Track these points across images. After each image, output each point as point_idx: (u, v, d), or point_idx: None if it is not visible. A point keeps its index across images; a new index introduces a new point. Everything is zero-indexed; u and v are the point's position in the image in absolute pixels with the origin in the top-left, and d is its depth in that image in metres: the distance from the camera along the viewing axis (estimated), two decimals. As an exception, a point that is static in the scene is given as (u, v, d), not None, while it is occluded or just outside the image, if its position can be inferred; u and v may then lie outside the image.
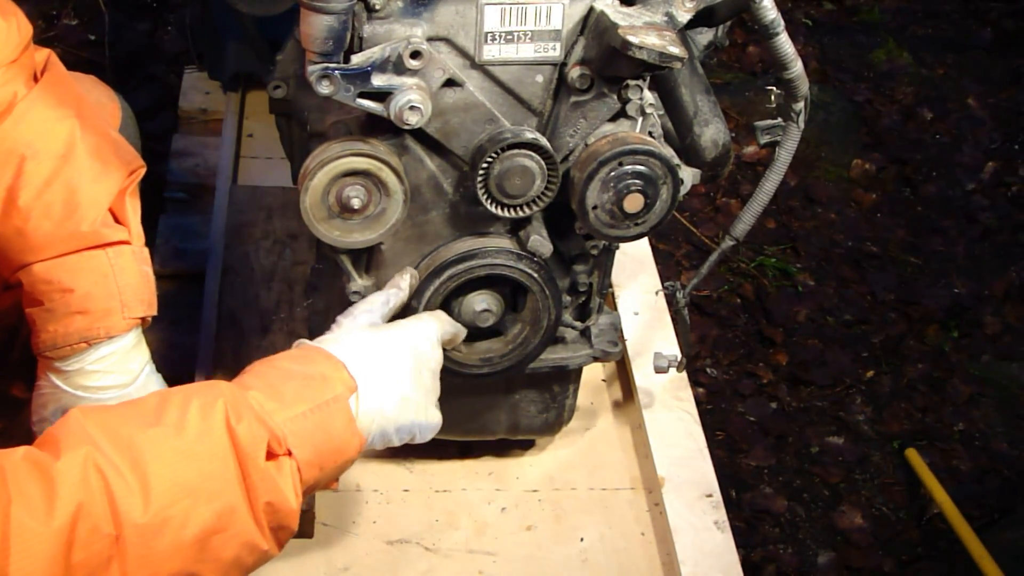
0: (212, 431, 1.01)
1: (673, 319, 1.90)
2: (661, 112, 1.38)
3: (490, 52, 1.22)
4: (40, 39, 1.34)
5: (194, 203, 2.14)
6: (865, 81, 3.41)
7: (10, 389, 1.49)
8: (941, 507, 2.28)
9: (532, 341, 1.43)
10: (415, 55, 1.18)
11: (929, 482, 2.34)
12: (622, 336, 1.79)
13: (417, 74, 1.20)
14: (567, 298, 1.48)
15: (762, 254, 2.87)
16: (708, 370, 2.58)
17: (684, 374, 1.79)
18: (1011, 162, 3.24)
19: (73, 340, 1.27)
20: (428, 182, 1.31)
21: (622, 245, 1.53)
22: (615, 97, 1.27)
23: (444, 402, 1.60)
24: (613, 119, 1.30)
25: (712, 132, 1.38)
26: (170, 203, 2.13)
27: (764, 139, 1.38)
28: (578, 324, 1.54)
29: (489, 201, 1.28)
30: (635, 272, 2.01)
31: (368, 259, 1.37)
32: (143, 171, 1.35)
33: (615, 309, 1.90)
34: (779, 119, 1.36)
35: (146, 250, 1.33)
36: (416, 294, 1.35)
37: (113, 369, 1.29)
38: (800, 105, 1.33)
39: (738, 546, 1.63)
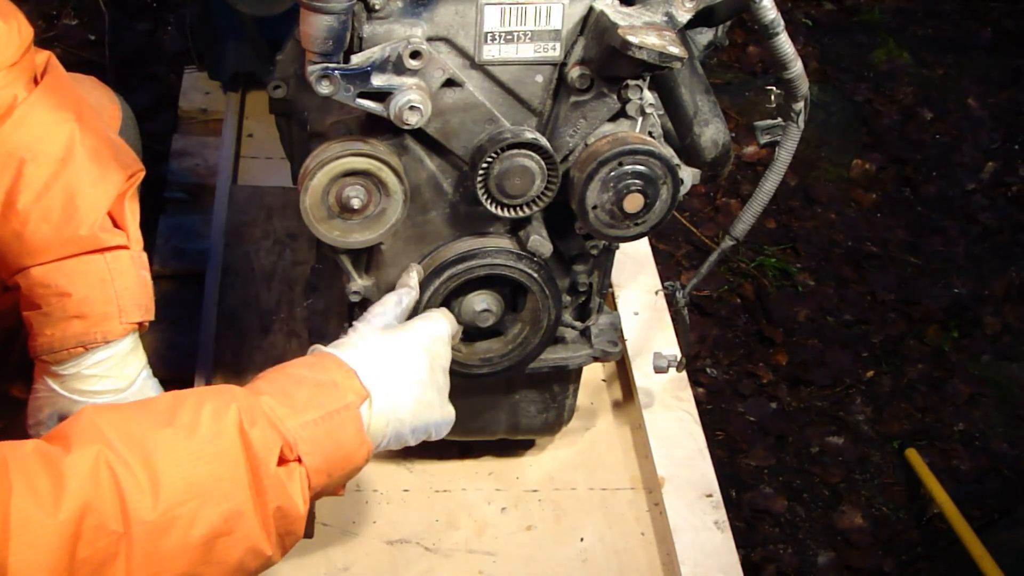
0: (224, 434, 1.01)
1: (673, 319, 1.90)
2: (661, 112, 1.38)
3: (490, 52, 1.22)
4: (40, 39, 1.34)
5: (194, 203, 2.14)
6: (865, 81, 3.41)
7: (10, 389, 1.49)
8: (941, 507, 2.28)
9: (532, 341, 1.43)
10: (415, 55, 1.18)
11: (929, 482, 2.34)
12: (622, 336, 1.79)
13: (417, 74, 1.20)
14: (567, 298, 1.48)
15: (762, 254, 2.87)
16: (708, 370, 2.58)
17: (684, 374, 1.79)
18: (1011, 162, 3.24)
19: (70, 344, 1.27)
20: (428, 182, 1.31)
21: (622, 245, 1.53)
22: (615, 97, 1.27)
23: (444, 402, 1.60)
24: (613, 119, 1.30)
25: (712, 132, 1.38)
26: (170, 203, 2.13)
27: (764, 139, 1.38)
28: (578, 324, 1.54)
29: (489, 201, 1.28)
30: (635, 272, 2.01)
31: (368, 259, 1.37)
32: (142, 175, 1.35)
33: (615, 309, 1.90)
34: (779, 119, 1.36)
35: (144, 255, 1.33)
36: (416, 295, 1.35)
37: (109, 374, 1.30)
38: (800, 105, 1.33)
39: (738, 546, 1.63)
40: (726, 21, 1.36)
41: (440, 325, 1.29)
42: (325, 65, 1.16)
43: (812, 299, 2.78)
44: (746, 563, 2.05)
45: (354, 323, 1.26)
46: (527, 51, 1.23)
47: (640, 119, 1.30)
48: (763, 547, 2.27)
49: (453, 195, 1.33)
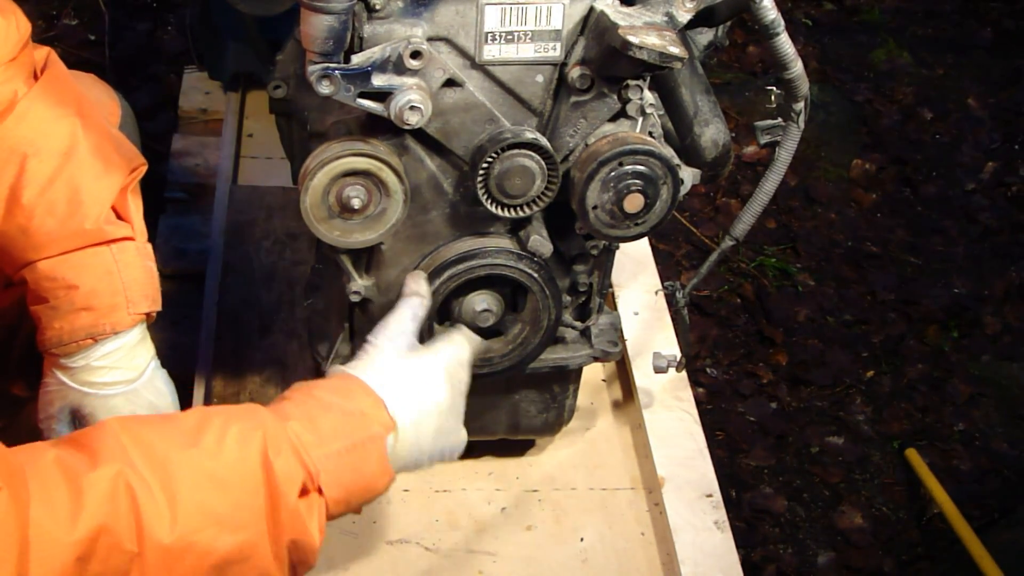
0: (247, 461, 1.01)
1: (673, 319, 1.90)
2: (661, 112, 1.38)
3: (490, 52, 1.22)
4: (40, 39, 1.35)
5: (194, 203, 2.14)
6: (865, 81, 3.41)
7: (10, 388, 1.49)
8: (941, 507, 2.28)
9: (532, 341, 1.43)
10: (415, 55, 1.18)
11: (929, 482, 2.34)
12: (622, 336, 1.79)
13: (417, 74, 1.20)
14: (567, 298, 1.48)
15: (762, 254, 2.87)
16: (708, 370, 2.58)
17: (684, 374, 1.79)
18: (1011, 162, 3.24)
19: (79, 336, 1.27)
20: (428, 182, 1.31)
21: (622, 245, 1.53)
22: (615, 97, 1.27)
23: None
24: (613, 119, 1.30)
25: (712, 132, 1.38)
26: (170, 203, 2.13)
27: (764, 139, 1.38)
28: (578, 324, 1.54)
29: (489, 201, 1.28)
30: (635, 272, 2.01)
31: (368, 259, 1.37)
32: (144, 168, 1.35)
33: (615, 309, 1.90)
34: (779, 119, 1.36)
35: (149, 246, 1.34)
36: (416, 294, 1.35)
37: (119, 365, 1.30)
38: (800, 105, 1.33)
39: (738, 546, 1.63)
40: (726, 21, 1.36)
41: (463, 349, 1.28)
42: (325, 65, 1.16)
43: (812, 299, 2.78)
44: (746, 563, 2.05)
45: (373, 339, 1.23)
46: (527, 51, 1.23)
47: (640, 119, 1.30)
48: (763, 547, 2.27)
49: (453, 195, 1.33)
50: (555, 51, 1.23)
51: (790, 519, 2.33)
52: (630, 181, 1.28)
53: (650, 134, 1.32)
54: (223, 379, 1.75)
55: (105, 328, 1.27)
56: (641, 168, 1.27)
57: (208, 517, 0.97)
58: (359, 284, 1.37)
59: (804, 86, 1.31)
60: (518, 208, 1.30)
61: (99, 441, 0.97)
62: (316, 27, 1.12)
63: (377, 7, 1.17)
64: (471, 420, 1.62)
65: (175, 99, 2.41)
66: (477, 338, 1.34)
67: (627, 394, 1.86)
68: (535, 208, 1.30)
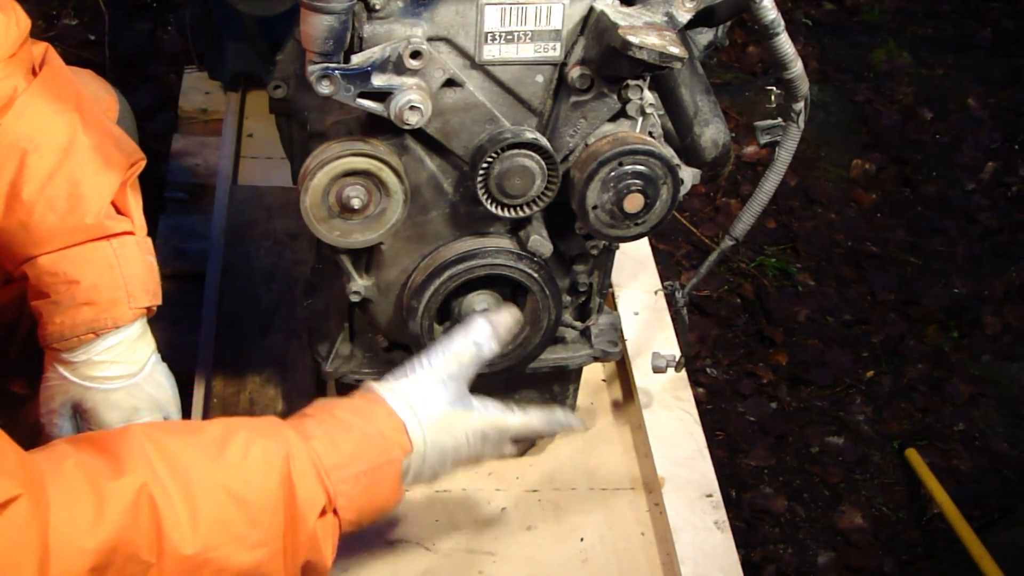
0: (269, 479, 1.01)
1: (673, 319, 1.90)
2: (661, 112, 1.38)
3: (490, 52, 1.23)
4: (40, 39, 1.35)
5: (194, 203, 2.14)
6: (865, 81, 3.41)
7: (10, 385, 1.49)
8: (941, 507, 2.28)
9: (532, 341, 1.43)
10: (415, 55, 1.18)
11: (929, 482, 2.34)
12: (622, 336, 1.79)
13: (417, 74, 1.20)
14: (567, 298, 1.48)
15: (762, 254, 2.87)
16: (708, 370, 2.58)
17: (684, 374, 1.79)
18: (1011, 162, 3.24)
19: (81, 331, 1.27)
20: (428, 182, 1.31)
21: (622, 245, 1.53)
22: (615, 97, 1.27)
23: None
24: (613, 119, 1.30)
25: (712, 132, 1.38)
26: (170, 203, 2.13)
27: (764, 139, 1.38)
28: (578, 324, 1.54)
29: (489, 201, 1.28)
30: (635, 272, 2.01)
31: (368, 259, 1.37)
32: (143, 163, 1.35)
33: (615, 309, 1.90)
34: (779, 119, 1.36)
35: (149, 240, 1.34)
36: (416, 294, 1.35)
37: (120, 359, 1.30)
38: (800, 105, 1.33)
39: (738, 546, 1.63)
40: (726, 21, 1.36)
41: (507, 425, 1.24)
42: (325, 65, 1.16)
43: (812, 299, 2.78)
44: (746, 563, 2.05)
45: (427, 361, 1.21)
46: (527, 51, 1.23)
47: (640, 119, 1.30)
48: (763, 547, 2.27)
49: (453, 195, 1.33)
50: (555, 51, 1.23)
51: (790, 519, 2.33)
52: (630, 181, 1.28)
53: (650, 134, 1.32)
54: (223, 379, 1.75)
55: (106, 322, 1.28)
56: (641, 168, 1.27)
57: (227, 534, 0.98)
58: (359, 284, 1.37)
59: (804, 86, 1.31)
60: (518, 208, 1.30)
61: (124, 448, 0.97)
62: (316, 27, 1.12)
63: (377, 7, 1.17)
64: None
65: (175, 99, 2.40)
66: (529, 428, 1.28)
67: (627, 394, 1.86)
68: (535, 208, 1.30)
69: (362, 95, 1.19)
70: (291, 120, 1.37)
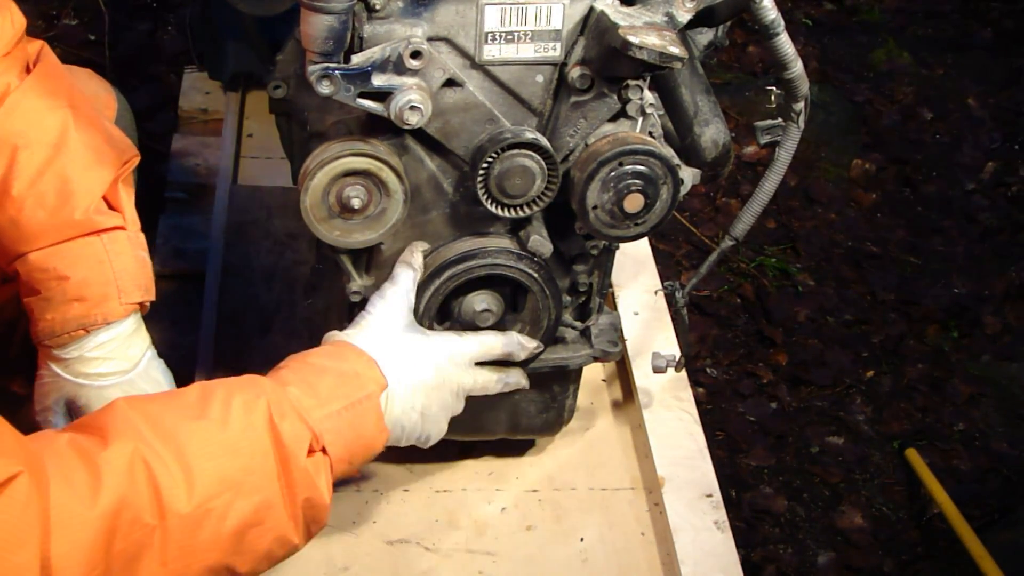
0: (255, 427, 1.03)
1: (673, 319, 1.90)
2: (661, 112, 1.38)
3: (490, 52, 1.22)
4: (40, 39, 1.35)
5: (194, 203, 2.13)
6: (865, 81, 3.41)
7: (10, 385, 1.49)
8: (941, 507, 2.28)
9: (532, 341, 1.43)
10: (415, 55, 1.18)
11: (929, 482, 2.34)
12: (622, 336, 1.79)
13: (417, 74, 1.20)
14: (567, 298, 1.48)
15: (762, 254, 2.87)
16: (708, 370, 2.58)
17: (684, 374, 1.79)
18: (1011, 162, 3.24)
19: (71, 327, 1.27)
20: (428, 182, 1.31)
21: (622, 245, 1.53)
22: (615, 97, 1.27)
23: (444, 402, 1.59)
24: (613, 119, 1.30)
25: (712, 132, 1.38)
26: (170, 203, 2.13)
27: (764, 139, 1.38)
28: (578, 324, 1.54)
29: (489, 201, 1.28)
30: (635, 272, 2.01)
31: (368, 259, 1.37)
32: (137, 160, 1.35)
33: (615, 309, 1.90)
34: (779, 119, 1.36)
35: (142, 236, 1.33)
36: (416, 294, 1.35)
37: (113, 356, 1.30)
38: (800, 105, 1.33)
39: (738, 546, 1.63)
40: (726, 21, 1.36)
41: (461, 349, 1.30)
42: (325, 65, 1.16)
43: (812, 299, 2.78)
44: (746, 563, 2.05)
45: (371, 309, 1.27)
46: (527, 51, 1.23)
47: (640, 119, 1.30)
48: (763, 547, 2.27)
49: (453, 195, 1.33)
50: (555, 51, 1.23)
51: (790, 519, 2.33)
52: (630, 181, 1.28)
53: (650, 134, 1.32)
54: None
55: (96, 318, 1.27)
56: (641, 168, 1.27)
57: (223, 483, 0.99)
58: (359, 284, 1.37)
59: (804, 86, 1.31)
60: (518, 208, 1.30)
61: (108, 421, 0.98)
62: (316, 27, 1.12)
63: (377, 7, 1.17)
64: (471, 420, 1.62)
65: (175, 99, 2.40)
66: (487, 347, 1.35)
67: (627, 394, 1.86)
68: (535, 208, 1.30)
69: (362, 95, 1.19)
70: (291, 120, 1.37)
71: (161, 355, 1.37)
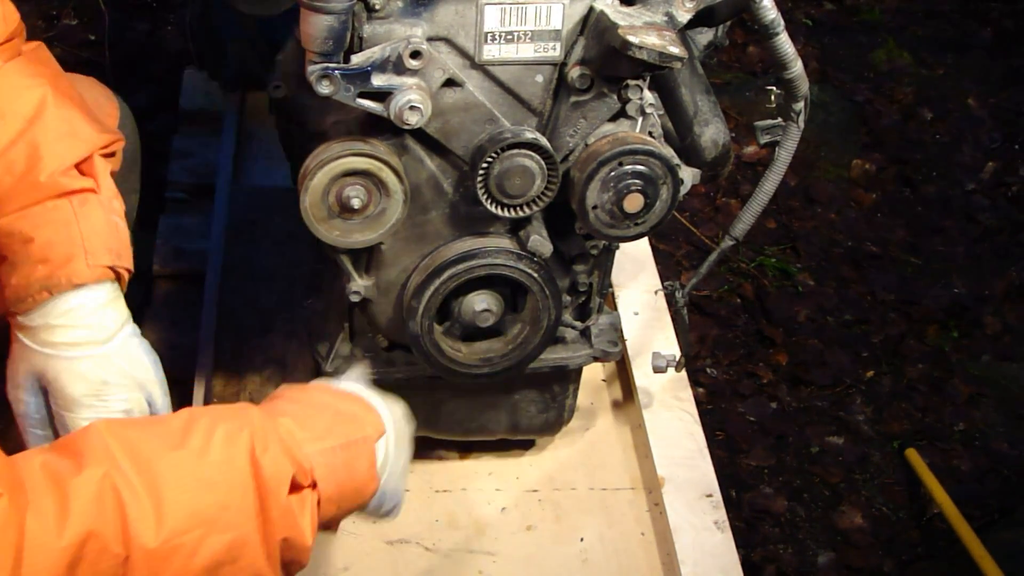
0: (235, 460, 0.99)
1: (673, 319, 1.90)
2: (661, 112, 1.38)
3: (490, 52, 1.23)
4: (40, 39, 1.35)
5: (194, 203, 2.14)
6: (865, 81, 3.40)
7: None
8: (941, 507, 2.27)
9: (532, 341, 1.43)
10: (415, 55, 1.18)
11: (929, 482, 2.33)
12: (622, 336, 1.79)
13: (417, 74, 1.20)
14: (567, 298, 1.48)
15: (762, 254, 2.86)
16: (708, 370, 2.58)
17: (684, 374, 1.79)
18: (1011, 162, 3.24)
19: (34, 290, 1.20)
20: (428, 182, 1.31)
21: (622, 245, 1.53)
22: (615, 97, 1.27)
23: (444, 402, 1.60)
24: (613, 119, 1.30)
25: (712, 132, 1.38)
26: (170, 203, 2.13)
27: (764, 139, 1.38)
28: (578, 324, 1.54)
29: (489, 201, 1.28)
30: (635, 272, 2.01)
31: (368, 259, 1.37)
32: (120, 144, 1.32)
33: (615, 309, 1.90)
34: (779, 119, 1.36)
35: (118, 202, 1.28)
36: (416, 294, 1.35)
37: (82, 323, 1.22)
38: (800, 105, 1.33)
39: (738, 546, 1.63)
40: (726, 21, 1.36)
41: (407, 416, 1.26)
42: (325, 65, 1.16)
43: (812, 299, 2.78)
44: (746, 563, 2.05)
45: (342, 378, 1.23)
46: (527, 51, 1.23)
47: (640, 119, 1.30)
48: (763, 547, 2.27)
49: (453, 195, 1.33)
50: (555, 51, 1.23)
51: (790, 519, 2.33)
52: (630, 181, 1.28)
53: (650, 134, 1.32)
54: (223, 379, 1.75)
55: (60, 279, 1.20)
56: (641, 168, 1.27)
57: (194, 518, 0.96)
58: (359, 284, 1.37)
59: (804, 86, 1.31)
60: (518, 208, 1.30)
61: (84, 444, 0.95)
62: (316, 27, 1.12)
63: (377, 7, 1.17)
64: (471, 420, 1.63)
65: (175, 99, 2.40)
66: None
67: (627, 394, 1.86)
68: (535, 208, 1.30)
69: (362, 95, 1.19)
70: (291, 120, 1.37)
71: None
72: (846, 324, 2.74)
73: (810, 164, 3.08)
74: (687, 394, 1.81)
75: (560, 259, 1.43)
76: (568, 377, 1.61)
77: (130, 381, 1.24)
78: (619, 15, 1.20)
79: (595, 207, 1.29)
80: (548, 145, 1.25)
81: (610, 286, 1.91)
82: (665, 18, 1.22)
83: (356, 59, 1.18)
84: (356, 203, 1.25)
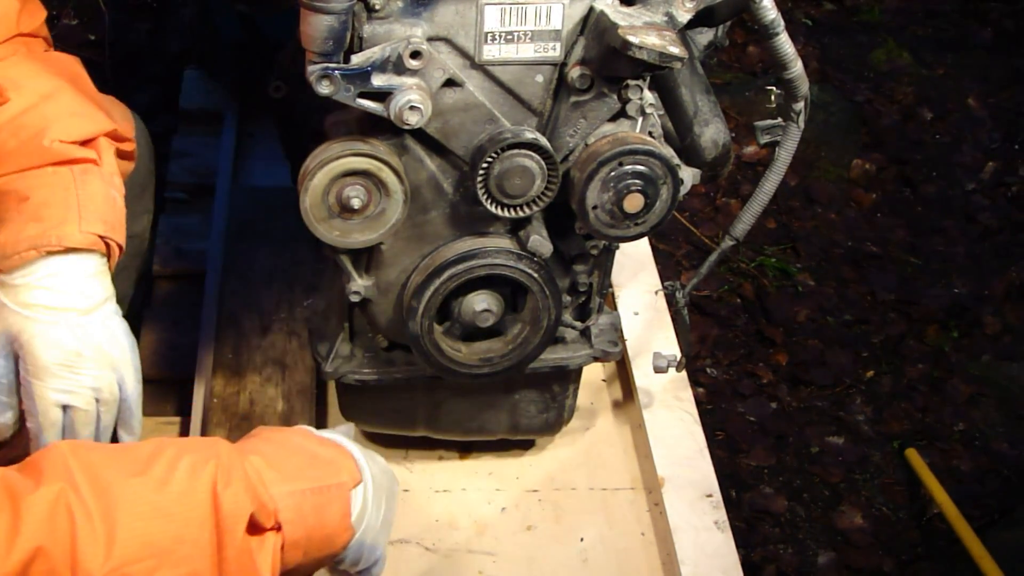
0: (196, 493, 0.96)
1: (673, 319, 1.90)
2: (661, 112, 1.38)
3: (490, 52, 1.22)
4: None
5: (194, 203, 2.14)
6: (865, 81, 3.41)
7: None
8: (941, 507, 2.28)
9: (532, 341, 1.43)
10: (415, 55, 1.18)
11: (929, 482, 2.34)
12: (622, 336, 1.79)
13: (417, 74, 1.20)
14: (567, 298, 1.48)
15: (762, 254, 2.87)
16: (708, 370, 2.58)
17: (684, 374, 1.79)
18: (1011, 162, 3.24)
19: (22, 247, 1.17)
20: (428, 182, 1.31)
21: (622, 245, 1.53)
22: (615, 97, 1.27)
23: (444, 402, 1.60)
24: (613, 119, 1.30)
25: (712, 132, 1.38)
26: (170, 203, 2.13)
27: (764, 139, 1.38)
28: (578, 324, 1.54)
29: (489, 201, 1.28)
30: (635, 272, 2.01)
31: (368, 259, 1.37)
32: (132, 145, 1.33)
33: (615, 309, 1.90)
34: (779, 119, 1.36)
35: (119, 181, 1.27)
36: (416, 294, 1.35)
37: (65, 289, 1.18)
38: (800, 105, 1.33)
39: (738, 546, 1.63)
40: (726, 21, 1.36)
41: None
42: (325, 65, 1.16)
43: (812, 299, 2.78)
44: (746, 563, 2.05)
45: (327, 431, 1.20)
46: (527, 51, 1.23)
47: (640, 119, 1.30)
48: (763, 547, 2.27)
49: (453, 195, 1.33)
50: (555, 51, 1.23)
51: (790, 519, 2.33)
52: (630, 181, 1.28)
53: (650, 134, 1.32)
54: (223, 379, 1.75)
55: (51, 239, 1.17)
56: (641, 168, 1.27)
57: (147, 548, 0.93)
58: (359, 284, 1.37)
59: (804, 86, 1.31)
60: (518, 208, 1.30)
61: (46, 462, 0.93)
62: (316, 27, 1.12)
63: (377, 7, 1.17)
64: (471, 420, 1.63)
65: (175, 99, 2.40)
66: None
67: (627, 394, 1.86)
68: (535, 208, 1.30)
69: (362, 95, 1.19)
70: (291, 120, 1.37)
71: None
72: (846, 324, 2.75)
73: (810, 164, 3.09)
74: (687, 394, 1.81)
75: (560, 259, 1.43)
76: (568, 377, 1.61)
77: (104, 359, 1.19)
78: (619, 15, 1.20)
79: (595, 207, 1.29)
80: (548, 145, 1.25)
81: (610, 286, 1.91)
82: (665, 18, 1.22)
83: (356, 59, 1.18)
84: (356, 203, 1.25)
